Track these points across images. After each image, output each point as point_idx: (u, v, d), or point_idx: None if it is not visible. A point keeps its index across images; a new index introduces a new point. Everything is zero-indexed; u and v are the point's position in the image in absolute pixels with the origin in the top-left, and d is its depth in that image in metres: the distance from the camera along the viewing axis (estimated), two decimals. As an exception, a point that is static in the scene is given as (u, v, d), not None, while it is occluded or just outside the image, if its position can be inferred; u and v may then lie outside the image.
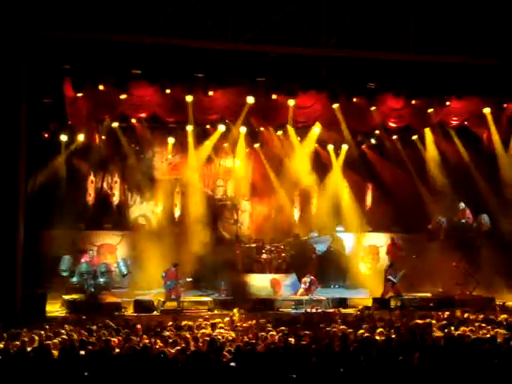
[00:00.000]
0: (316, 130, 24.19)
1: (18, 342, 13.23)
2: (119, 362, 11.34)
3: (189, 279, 22.40)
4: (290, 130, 24.17)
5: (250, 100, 21.34)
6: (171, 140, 24.95)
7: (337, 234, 25.66)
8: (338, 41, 19.82)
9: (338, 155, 25.59)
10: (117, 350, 12.40)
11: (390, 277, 22.56)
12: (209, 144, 24.58)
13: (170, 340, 13.09)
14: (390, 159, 25.81)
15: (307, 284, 22.33)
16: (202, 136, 24.61)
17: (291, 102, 21.69)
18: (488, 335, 14.28)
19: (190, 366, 11.02)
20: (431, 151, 24.97)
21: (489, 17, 20.45)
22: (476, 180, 24.33)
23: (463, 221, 23.88)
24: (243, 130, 23.91)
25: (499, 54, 20.66)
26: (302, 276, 22.80)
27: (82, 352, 12.24)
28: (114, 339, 13.55)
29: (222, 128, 23.95)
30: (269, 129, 24.61)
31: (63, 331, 14.81)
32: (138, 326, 15.79)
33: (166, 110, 21.52)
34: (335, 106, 21.98)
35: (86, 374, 10.79)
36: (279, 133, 24.62)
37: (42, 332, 14.51)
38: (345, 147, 25.34)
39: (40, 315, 18.59)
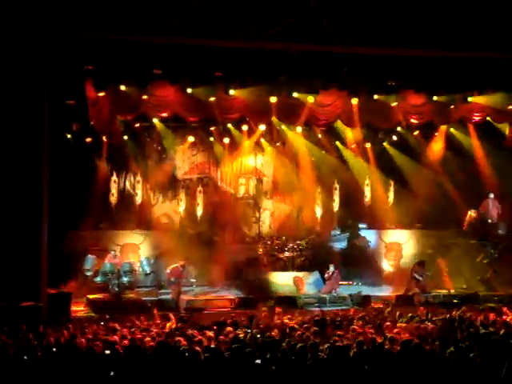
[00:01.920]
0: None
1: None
2: (145, 360, 11.37)
3: (193, 280, 22.59)
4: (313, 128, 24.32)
5: (273, 100, 21.37)
6: (192, 139, 25.04)
7: (359, 232, 25.64)
8: (359, 38, 19.76)
9: (360, 152, 25.62)
10: (142, 349, 12.43)
11: (415, 274, 22.56)
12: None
13: (195, 339, 13.12)
14: (412, 156, 25.73)
15: (330, 273, 22.41)
16: (223, 135, 24.82)
17: (310, 99, 21.70)
18: None
19: (215, 363, 11.03)
20: (453, 146, 25.00)
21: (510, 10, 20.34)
22: (497, 175, 24.25)
23: (489, 220, 23.91)
24: (262, 127, 23.98)
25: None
26: (325, 273, 22.84)
27: (107, 351, 12.28)
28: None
29: (245, 128, 24.13)
30: (290, 127, 24.59)
31: (87, 330, 14.93)
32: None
33: (187, 109, 21.57)
34: (354, 101, 21.92)
35: (111, 373, 10.83)
36: (300, 130, 24.59)
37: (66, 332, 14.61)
38: (368, 145, 25.40)
39: (64, 315, 18.69)
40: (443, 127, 24.68)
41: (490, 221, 24.02)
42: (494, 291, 22.46)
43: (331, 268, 22.63)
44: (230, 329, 14.66)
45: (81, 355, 11.76)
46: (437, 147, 25.11)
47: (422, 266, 22.85)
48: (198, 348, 11.88)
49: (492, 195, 24.11)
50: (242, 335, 13.76)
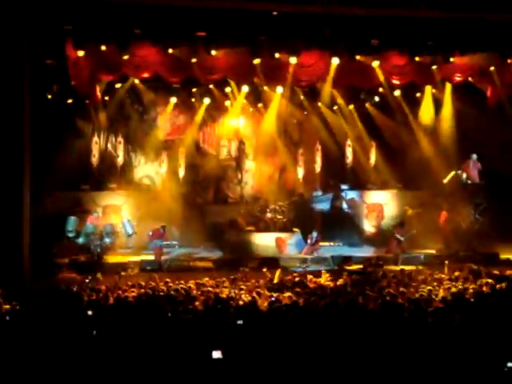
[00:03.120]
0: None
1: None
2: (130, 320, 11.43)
3: (174, 242, 22.68)
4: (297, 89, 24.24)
5: (256, 61, 21.23)
6: (174, 100, 24.94)
7: (341, 193, 25.72)
8: (341, -2, 19.67)
9: (342, 113, 25.63)
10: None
11: (397, 235, 22.76)
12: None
13: (178, 299, 13.20)
14: (394, 117, 25.72)
15: (313, 239, 22.58)
16: (205, 96, 24.75)
17: (292, 60, 21.58)
18: None
19: (197, 323, 11.11)
20: (435, 107, 25.05)
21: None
22: (479, 136, 24.27)
23: (470, 181, 24.05)
24: (245, 89, 23.93)
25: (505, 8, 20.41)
26: (307, 234, 22.97)
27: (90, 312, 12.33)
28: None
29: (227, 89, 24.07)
30: (272, 88, 24.49)
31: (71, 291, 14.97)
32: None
33: (168, 70, 21.44)
34: (334, 61, 21.79)
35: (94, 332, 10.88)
36: (281, 91, 24.46)
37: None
38: (350, 106, 25.41)
39: (47, 277, 18.70)
40: (427, 89, 24.66)
41: (470, 182, 24.16)
42: (474, 251, 22.55)
43: (314, 234, 22.77)
44: (211, 289, 14.77)
45: (64, 315, 11.83)
46: (425, 110, 25.10)
47: (402, 226, 23.08)
48: (180, 308, 11.99)
49: (475, 156, 24.19)
50: (223, 296, 13.87)
